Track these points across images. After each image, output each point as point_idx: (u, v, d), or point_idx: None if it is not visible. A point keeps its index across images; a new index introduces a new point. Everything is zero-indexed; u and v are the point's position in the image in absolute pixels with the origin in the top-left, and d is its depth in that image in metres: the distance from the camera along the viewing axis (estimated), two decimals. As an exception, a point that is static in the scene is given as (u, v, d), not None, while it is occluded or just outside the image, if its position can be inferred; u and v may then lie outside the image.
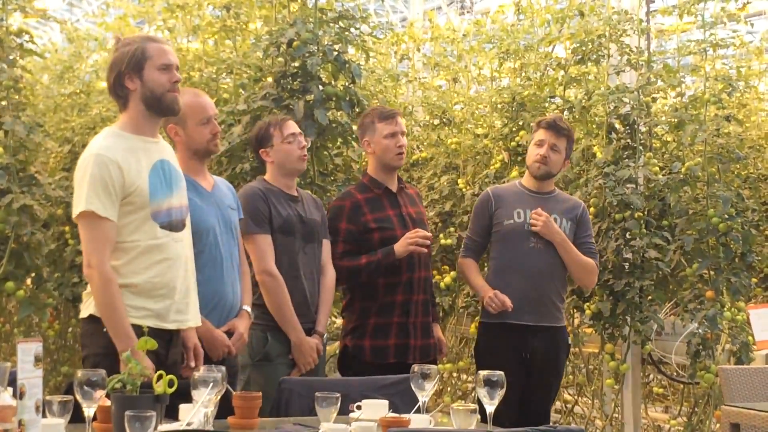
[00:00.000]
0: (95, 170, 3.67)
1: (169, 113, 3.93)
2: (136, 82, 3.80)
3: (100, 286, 3.65)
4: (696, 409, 6.71)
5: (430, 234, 5.06)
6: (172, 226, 3.84)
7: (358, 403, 3.64)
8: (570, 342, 5.45)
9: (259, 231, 4.69)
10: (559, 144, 5.20)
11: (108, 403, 2.99)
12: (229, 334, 4.32)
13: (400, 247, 4.92)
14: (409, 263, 4.97)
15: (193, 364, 3.90)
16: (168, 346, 3.85)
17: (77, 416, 3.01)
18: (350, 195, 5.08)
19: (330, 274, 4.92)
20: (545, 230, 5.12)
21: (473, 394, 7.84)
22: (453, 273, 6.99)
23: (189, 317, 3.91)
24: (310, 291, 4.80)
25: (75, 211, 3.71)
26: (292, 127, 4.87)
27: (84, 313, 3.79)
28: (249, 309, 4.46)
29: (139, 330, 3.54)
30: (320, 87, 5.75)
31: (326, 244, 4.95)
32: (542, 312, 5.13)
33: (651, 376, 8.37)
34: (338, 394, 3.38)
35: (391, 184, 5.09)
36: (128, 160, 3.72)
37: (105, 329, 3.66)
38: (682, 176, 6.28)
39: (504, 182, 6.65)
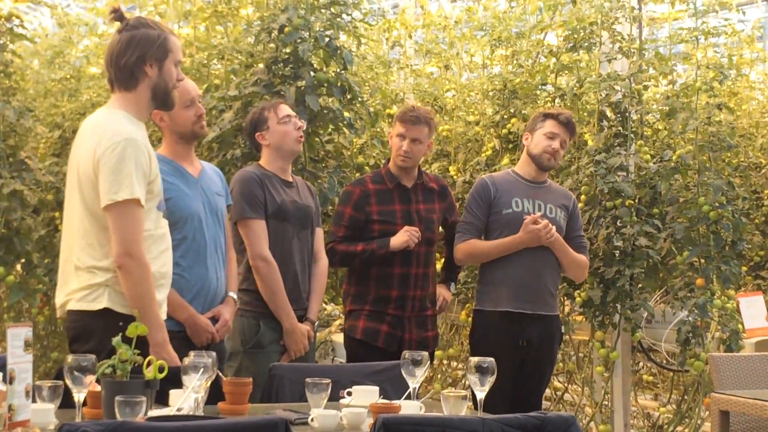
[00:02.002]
0: (136, 156, 3.56)
1: (167, 108, 3.91)
2: (155, 70, 3.72)
3: (141, 275, 3.54)
4: (685, 397, 6.73)
5: (419, 233, 5.08)
6: (165, 215, 3.82)
7: (349, 389, 3.65)
8: (563, 331, 5.46)
9: (255, 216, 4.69)
10: (567, 141, 5.26)
11: (98, 388, 2.98)
12: (214, 320, 4.31)
13: (396, 239, 5.00)
14: (404, 258, 5.05)
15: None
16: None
17: (67, 401, 3.01)
18: (362, 183, 5.19)
19: (323, 262, 4.94)
20: (539, 242, 5.11)
21: (464, 382, 7.85)
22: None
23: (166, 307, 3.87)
24: (301, 278, 4.81)
25: (114, 198, 3.52)
26: (287, 109, 4.90)
27: (91, 305, 3.60)
28: (235, 295, 4.45)
29: (130, 318, 3.50)
30: (312, 73, 5.74)
31: (319, 232, 4.97)
32: (538, 301, 5.13)
33: (641, 364, 8.39)
34: (329, 380, 3.39)
35: (405, 180, 5.18)
36: (149, 147, 3.68)
37: (122, 324, 3.42)
38: (673, 164, 6.28)
39: (495, 170, 6.65)
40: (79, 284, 3.64)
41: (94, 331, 3.60)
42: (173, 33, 3.85)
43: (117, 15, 3.76)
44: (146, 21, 3.79)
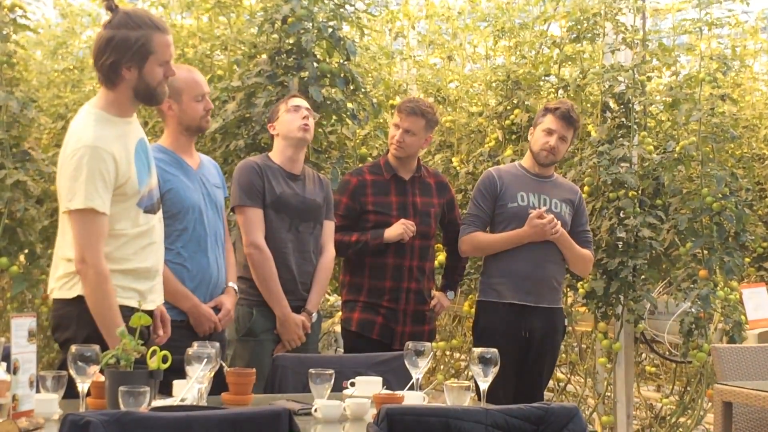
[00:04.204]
0: (93, 164, 3.53)
1: (155, 104, 3.87)
2: (134, 73, 3.65)
3: (96, 284, 3.54)
4: (688, 388, 6.73)
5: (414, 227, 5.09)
6: (154, 208, 3.78)
7: (352, 380, 3.65)
8: (566, 324, 5.46)
9: (250, 204, 4.71)
10: (568, 135, 5.22)
11: (102, 378, 2.99)
12: (216, 310, 4.33)
13: (390, 231, 5.02)
14: (397, 250, 5.07)
15: (161, 332, 3.87)
16: (147, 325, 3.84)
17: (71, 391, 3.02)
18: (360, 173, 5.22)
19: (328, 254, 4.94)
20: (544, 236, 5.11)
21: (466, 372, 7.86)
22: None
23: (159, 296, 3.87)
24: (299, 269, 4.81)
25: (69, 206, 3.55)
26: (298, 101, 4.91)
27: (67, 293, 3.64)
28: (235, 285, 4.48)
29: (127, 311, 3.51)
30: (315, 64, 5.73)
31: (327, 225, 4.96)
32: (542, 293, 5.14)
33: (644, 355, 8.40)
34: (332, 371, 3.39)
35: (403, 172, 5.20)
36: (120, 150, 3.62)
37: None
38: (676, 155, 6.28)
39: (498, 161, 6.66)
40: (62, 272, 3.67)
41: (71, 320, 3.64)
42: (164, 29, 3.71)
43: (108, 4, 3.67)
44: (130, 20, 3.65)
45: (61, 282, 3.66)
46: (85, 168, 3.54)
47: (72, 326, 3.62)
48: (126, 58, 3.63)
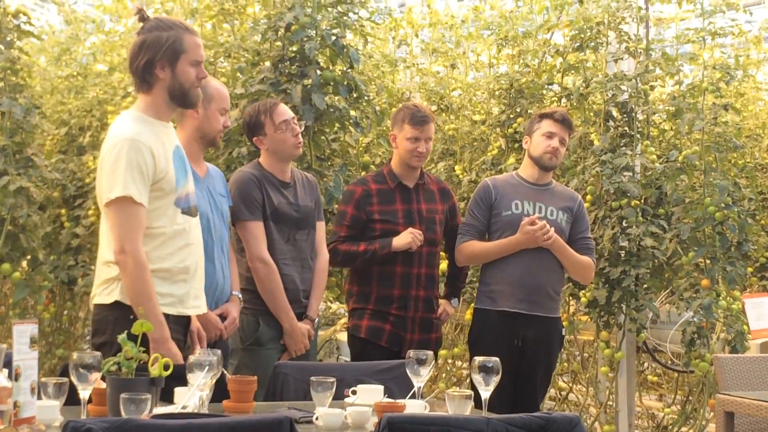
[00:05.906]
0: (131, 155, 3.62)
1: (190, 106, 3.94)
2: (167, 73, 3.74)
3: (135, 272, 3.60)
4: (690, 398, 6.72)
5: (421, 235, 5.08)
6: (191, 211, 3.85)
7: (354, 388, 3.65)
8: (564, 333, 5.45)
9: (252, 218, 4.70)
10: (566, 137, 5.26)
11: (103, 385, 2.99)
12: (222, 318, 4.35)
13: (398, 240, 5.00)
14: (405, 258, 5.05)
15: (198, 347, 3.91)
16: (185, 332, 3.87)
17: (72, 398, 3.02)
18: (364, 182, 5.19)
19: (323, 257, 4.94)
20: (536, 243, 5.10)
21: (468, 381, 7.85)
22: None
23: (202, 302, 3.93)
24: (300, 278, 4.82)
25: (109, 196, 3.62)
26: (283, 113, 4.81)
27: (106, 298, 3.70)
28: (239, 294, 4.50)
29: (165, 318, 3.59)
30: (318, 71, 5.74)
31: (320, 226, 4.96)
32: (536, 302, 5.13)
33: (646, 364, 8.39)
34: (333, 379, 3.39)
35: (407, 180, 5.17)
36: (157, 146, 3.70)
37: (132, 317, 3.56)
38: (679, 165, 6.28)
39: (501, 169, 6.67)
40: (102, 278, 3.75)
41: (107, 324, 3.69)
42: (194, 31, 3.83)
43: (140, 16, 3.82)
44: (162, 22, 3.79)
45: (101, 288, 3.74)
46: (124, 159, 3.62)
47: (108, 331, 3.67)
48: (159, 56, 3.73)
